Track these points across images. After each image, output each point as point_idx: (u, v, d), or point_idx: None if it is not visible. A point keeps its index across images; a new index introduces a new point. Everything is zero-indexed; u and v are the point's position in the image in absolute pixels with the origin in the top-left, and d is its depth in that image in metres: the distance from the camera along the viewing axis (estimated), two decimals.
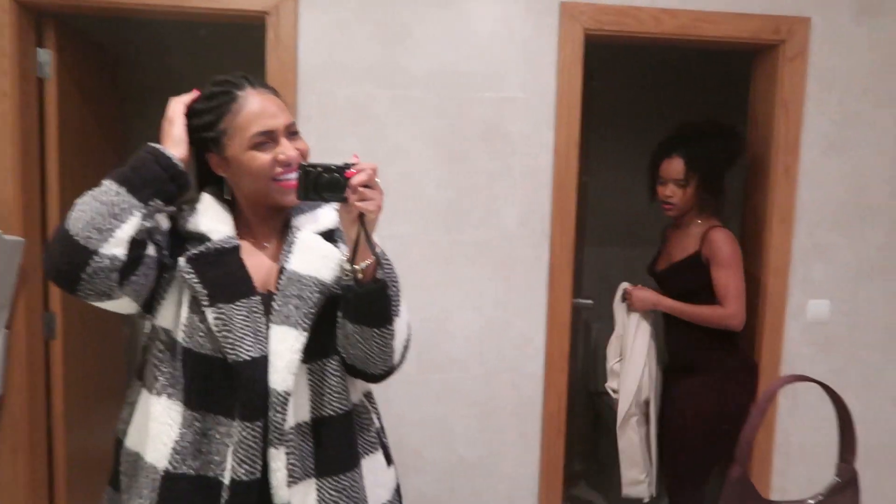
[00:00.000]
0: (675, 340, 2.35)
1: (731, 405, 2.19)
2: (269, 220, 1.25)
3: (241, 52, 3.35)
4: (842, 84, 2.36)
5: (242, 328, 1.12)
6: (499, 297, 2.26)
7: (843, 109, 2.37)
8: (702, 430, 2.21)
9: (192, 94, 1.22)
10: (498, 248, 2.26)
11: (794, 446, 2.43)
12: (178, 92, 1.24)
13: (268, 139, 1.16)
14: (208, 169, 1.25)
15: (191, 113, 1.20)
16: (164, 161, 1.12)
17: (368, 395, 1.32)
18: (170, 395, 1.15)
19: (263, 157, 1.16)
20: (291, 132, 1.21)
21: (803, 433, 2.43)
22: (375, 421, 1.32)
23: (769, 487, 2.42)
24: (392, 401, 2.25)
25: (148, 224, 1.11)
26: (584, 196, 2.92)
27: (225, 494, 1.12)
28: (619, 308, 2.44)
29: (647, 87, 3.69)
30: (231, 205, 1.26)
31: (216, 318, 1.11)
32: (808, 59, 2.33)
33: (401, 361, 1.25)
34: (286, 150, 1.17)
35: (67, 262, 1.05)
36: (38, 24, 2.16)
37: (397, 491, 1.36)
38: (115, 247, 1.06)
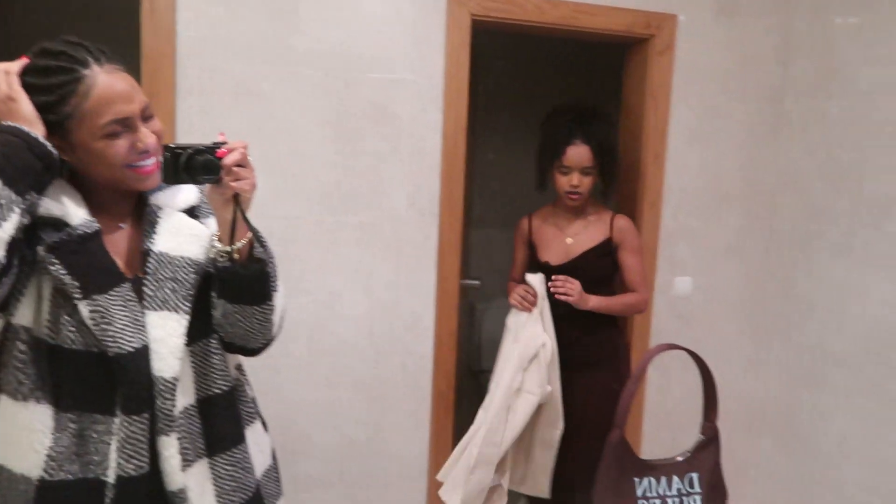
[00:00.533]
0: (566, 333, 2.18)
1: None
2: (120, 198, 1.17)
3: (111, 17, 3.14)
4: (703, 78, 2.56)
5: (122, 319, 1.05)
6: (388, 278, 2.28)
7: (704, 102, 2.57)
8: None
9: (22, 62, 1.07)
10: (387, 230, 2.27)
11: (662, 413, 2.63)
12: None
13: (122, 126, 1.07)
14: None
15: (23, 87, 1.06)
16: (37, 148, 1.01)
17: (240, 368, 1.31)
18: (38, 399, 1.06)
19: (119, 146, 1.08)
20: (146, 115, 1.12)
21: (670, 401, 2.64)
22: (249, 391, 1.32)
23: (640, 451, 2.61)
24: (282, 385, 2.21)
25: (25, 221, 1.01)
26: (471, 178, 2.98)
27: (110, 494, 1.07)
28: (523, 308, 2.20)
29: (532, 75, 3.82)
30: (75, 183, 1.15)
31: (92, 312, 1.04)
32: (675, 53, 2.51)
33: (278, 333, 1.26)
34: (145, 137, 1.10)
35: None
36: None
37: (273, 454, 1.39)
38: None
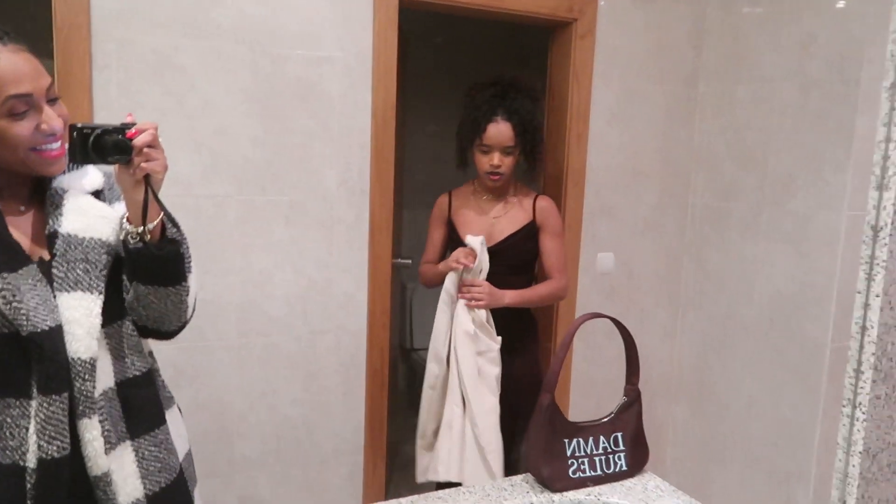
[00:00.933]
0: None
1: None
2: (17, 181, 1.14)
3: None
4: (623, 61, 2.67)
5: (32, 297, 1.03)
6: (320, 256, 2.27)
7: (624, 85, 2.68)
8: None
9: None
10: (318, 208, 2.26)
11: (587, 382, 2.76)
12: None
13: (26, 105, 1.04)
14: None
15: None
16: None
17: (151, 354, 1.31)
18: None
19: (23, 126, 1.04)
20: (51, 97, 1.09)
21: (595, 370, 2.76)
22: (161, 376, 1.32)
23: (568, 416, 2.72)
24: (216, 367, 2.17)
25: None
26: (401, 160, 2.99)
27: (31, 478, 1.04)
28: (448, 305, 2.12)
29: (461, 57, 3.86)
30: None
31: (2, 290, 1.01)
32: (596, 37, 2.60)
33: (191, 315, 1.26)
34: (50, 119, 1.07)
35: None
36: None
37: (187, 441, 1.39)
38: None
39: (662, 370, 2.91)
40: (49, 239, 1.10)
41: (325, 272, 2.29)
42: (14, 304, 1.01)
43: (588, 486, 1.40)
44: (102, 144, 1.05)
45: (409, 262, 2.89)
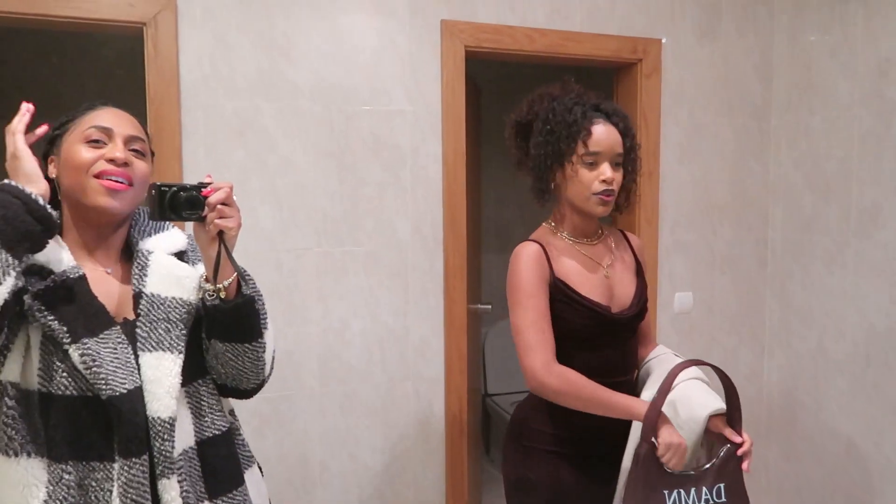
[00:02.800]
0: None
1: None
2: (105, 241, 1.18)
3: (107, 66, 3.19)
4: (690, 98, 2.65)
5: (112, 361, 1.06)
6: (396, 304, 2.31)
7: (693, 121, 2.66)
8: None
9: (24, 118, 1.10)
10: (392, 257, 2.30)
11: None
12: (38, 104, 1.14)
13: (102, 135, 1.11)
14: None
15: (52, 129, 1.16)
16: (37, 211, 1.01)
17: (232, 412, 1.31)
18: (30, 453, 1.05)
19: (88, 153, 1.10)
20: (134, 148, 1.15)
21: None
22: (243, 435, 1.32)
23: None
24: (297, 415, 2.22)
25: (20, 283, 1.01)
26: (477, 205, 3.03)
27: None
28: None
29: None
30: (61, 231, 1.16)
31: (82, 356, 1.03)
32: (662, 75, 2.60)
33: (270, 373, 1.26)
34: (116, 150, 1.11)
35: None
36: None
37: (269, 501, 1.38)
38: None
39: (749, 412, 2.76)
40: (135, 299, 1.14)
41: (402, 320, 2.32)
42: (94, 370, 1.03)
43: None
44: (177, 201, 1.09)
45: (490, 307, 2.89)
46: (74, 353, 1.04)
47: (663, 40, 2.59)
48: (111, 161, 1.10)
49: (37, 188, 1.03)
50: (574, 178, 1.54)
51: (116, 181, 1.10)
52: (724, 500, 1.41)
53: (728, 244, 2.73)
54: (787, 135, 2.69)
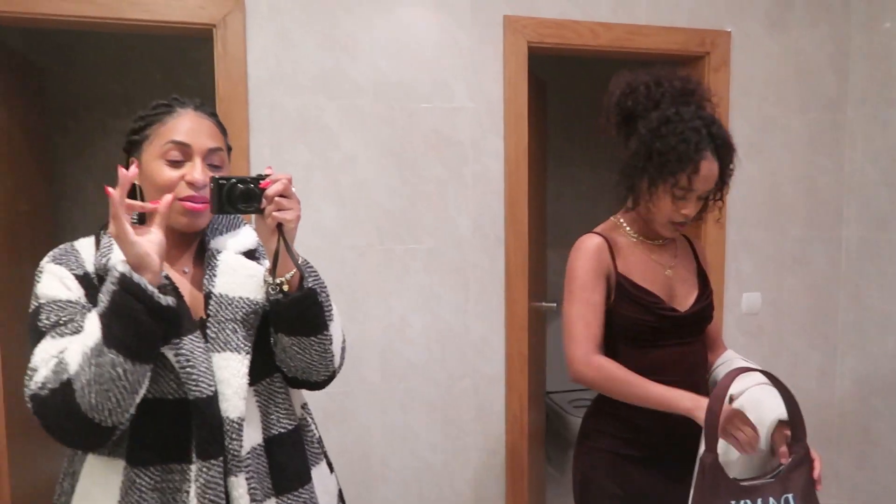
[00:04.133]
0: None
1: None
2: (182, 244, 1.19)
3: (176, 67, 3.28)
4: (759, 92, 2.56)
5: (202, 362, 1.07)
6: (456, 302, 2.31)
7: (762, 115, 2.57)
8: None
9: (124, 188, 1.01)
10: (453, 255, 2.30)
11: None
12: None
13: (182, 154, 1.12)
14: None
15: (132, 122, 1.17)
16: (158, 312, 1.00)
17: (305, 407, 1.31)
18: (113, 455, 1.08)
19: (169, 173, 1.11)
20: (213, 162, 1.16)
21: None
22: (315, 431, 1.32)
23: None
24: (359, 411, 2.24)
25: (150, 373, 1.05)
26: (543, 202, 3.00)
27: None
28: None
29: (599, 100, 3.87)
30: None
31: (177, 356, 1.06)
32: (730, 68, 2.52)
33: (340, 364, 1.25)
34: (195, 171, 1.12)
35: (83, 438, 1.02)
36: None
37: (340, 496, 1.37)
38: (130, 411, 1.02)
39: (820, 417, 2.69)
40: (205, 299, 1.14)
41: (462, 317, 2.32)
42: (188, 370, 1.05)
43: None
44: (234, 194, 1.07)
45: (555, 305, 2.87)
46: (169, 353, 1.05)
47: (732, 32, 2.51)
48: (191, 184, 1.12)
49: (151, 273, 1.01)
50: (656, 202, 1.51)
51: (195, 203, 1.12)
52: None
53: (798, 243, 2.63)
54: (862, 128, 2.57)
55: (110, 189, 0.98)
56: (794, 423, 1.43)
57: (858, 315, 2.60)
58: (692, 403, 1.41)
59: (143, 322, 0.99)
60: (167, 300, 1.01)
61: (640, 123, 1.52)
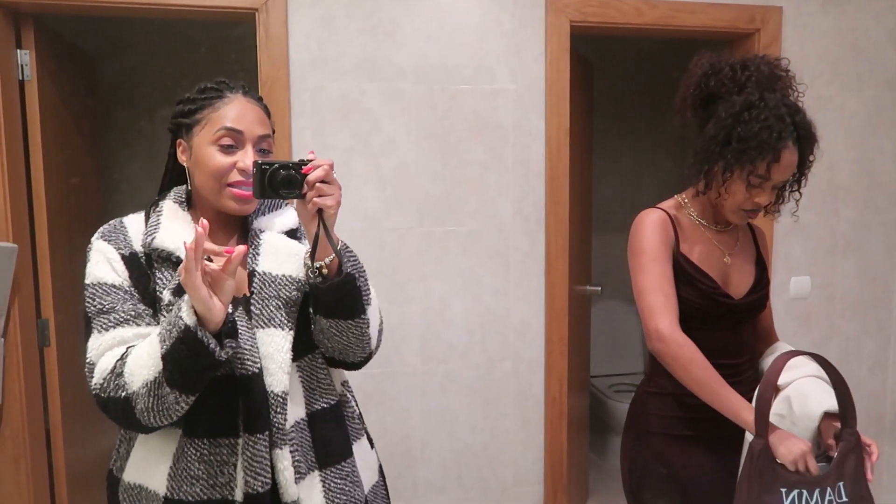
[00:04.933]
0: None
1: None
2: (227, 224, 1.22)
3: (218, 51, 3.33)
4: (812, 70, 2.47)
5: (247, 340, 1.10)
6: (497, 285, 2.30)
7: (814, 94, 2.47)
8: None
9: (200, 244, 0.99)
10: (494, 238, 2.29)
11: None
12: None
13: (233, 141, 1.14)
14: (176, 162, 1.22)
15: (178, 105, 1.20)
16: (212, 360, 1.02)
17: (346, 384, 1.33)
18: (171, 425, 1.11)
19: (222, 159, 1.14)
20: (262, 147, 1.18)
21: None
22: (355, 407, 1.33)
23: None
24: (399, 393, 2.27)
25: None
26: (588, 185, 2.96)
27: None
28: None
29: (643, 79, 3.79)
30: (188, 208, 1.22)
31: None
32: (781, 46, 2.43)
33: (377, 346, 1.27)
34: (247, 158, 1.14)
35: (141, 431, 1.10)
36: (16, 24, 2.11)
37: (380, 471, 1.39)
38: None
39: (873, 405, 2.61)
40: (249, 278, 1.16)
41: (503, 300, 2.31)
42: (234, 347, 1.07)
43: None
44: (276, 179, 1.07)
45: (599, 289, 2.83)
46: None
47: (784, 8, 2.42)
48: (243, 171, 1.14)
49: (215, 322, 1.01)
50: (730, 188, 1.47)
51: (246, 190, 1.14)
52: (845, 499, 1.32)
53: (851, 226, 2.54)
54: None
55: (187, 243, 0.97)
56: (844, 410, 1.39)
57: None
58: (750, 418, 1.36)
59: (202, 373, 1.03)
60: (227, 353, 1.03)
61: (722, 106, 1.48)
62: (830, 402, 1.41)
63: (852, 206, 2.54)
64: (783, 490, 1.29)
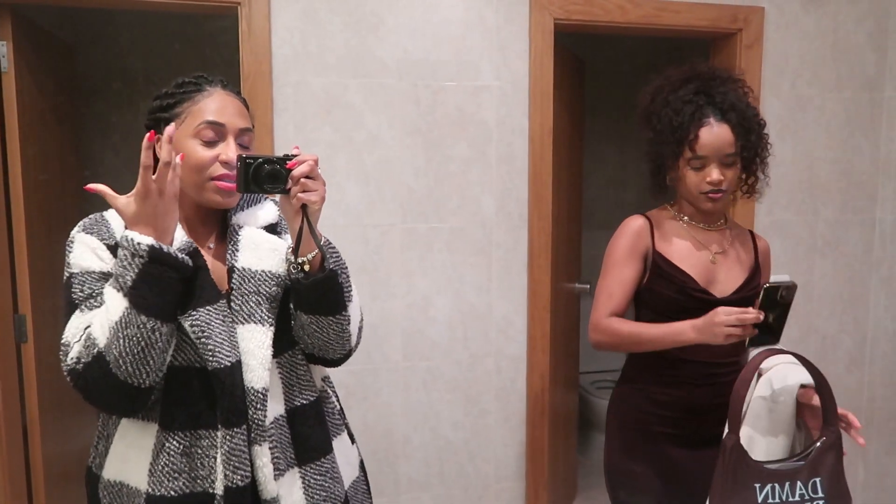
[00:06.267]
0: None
1: None
2: (207, 219, 1.22)
3: (199, 45, 3.30)
4: (794, 70, 2.49)
5: (220, 333, 1.10)
6: (480, 282, 2.31)
7: (795, 94, 2.50)
8: None
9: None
10: (477, 235, 2.29)
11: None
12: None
13: (215, 134, 1.13)
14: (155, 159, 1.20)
15: (156, 100, 1.19)
16: (187, 275, 1.07)
17: (326, 379, 1.33)
18: (147, 419, 1.12)
19: (204, 153, 1.13)
20: (243, 141, 1.17)
21: None
22: (336, 403, 1.34)
23: None
24: (382, 389, 2.26)
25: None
26: (577, 182, 2.96)
27: None
28: None
29: (630, 77, 3.81)
30: None
31: (192, 326, 1.08)
32: (763, 46, 2.45)
33: (357, 343, 1.27)
34: (229, 150, 1.14)
35: (124, 404, 1.07)
36: None
37: (361, 466, 1.39)
38: (164, 368, 1.07)
39: (850, 403, 2.64)
40: (229, 273, 1.16)
41: (485, 297, 2.31)
42: (203, 340, 1.07)
43: None
44: (260, 174, 1.07)
45: (588, 286, 2.84)
46: (185, 323, 1.08)
47: (766, 8, 2.44)
48: (226, 164, 1.14)
49: (170, 236, 1.05)
50: (683, 179, 1.59)
51: (230, 183, 1.14)
52: (821, 495, 1.34)
53: (830, 226, 2.57)
54: None
55: (151, 138, 1.02)
56: (825, 407, 1.42)
57: (891, 299, 2.54)
58: (695, 334, 1.46)
59: (175, 286, 1.04)
60: (188, 259, 1.06)
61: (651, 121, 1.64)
62: (808, 378, 1.44)
63: (831, 206, 2.57)
64: (756, 485, 1.31)
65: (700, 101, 1.55)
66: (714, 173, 1.54)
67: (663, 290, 1.58)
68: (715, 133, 1.53)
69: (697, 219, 1.65)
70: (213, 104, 1.15)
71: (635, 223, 1.64)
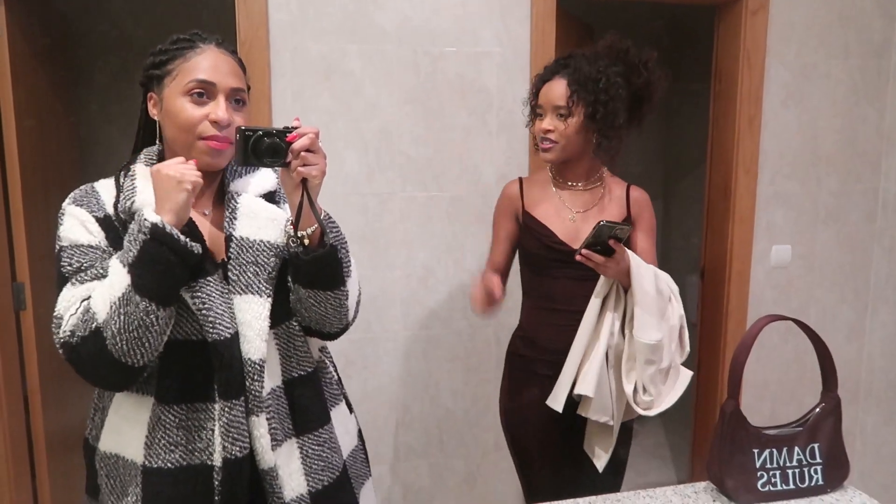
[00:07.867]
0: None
1: None
2: (207, 188, 1.19)
3: (195, 10, 3.24)
4: (800, 37, 2.45)
5: (220, 305, 1.08)
6: (479, 251, 2.29)
7: (801, 62, 2.46)
8: None
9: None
10: (477, 203, 2.27)
11: (760, 384, 2.57)
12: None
13: (205, 92, 1.11)
14: (148, 117, 1.18)
15: (150, 56, 1.16)
16: (191, 261, 1.04)
17: (324, 350, 1.32)
18: (142, 392, 1.11)
19: (193, 111, 1.10)
20: (237, 100, 1.15)
21: (767, 372, 2.57)
22: (334, 373, 1.33)
23: None
24: (381, 359, 2.27)
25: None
26: None
27: (218, 476, 1.09)
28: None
29: (645, 43, 3.75)
30: None
31: (194, 298, 1.06)
32: (769, 12, 2.40)
33: (354, 318, 1.25)
34: (219, 109, 1.11)
35: (116, 380, 1.06)
36: None
37: (360, 435, 1.39)
38: (159, 350, 1.06)
39: (849, 373, 2.65)
40: (226, 242, 1.14)
41: (484, 267, 2.30)
42: (204, 312, 1.06)
43: (780, 500, 1.30)
44: (260, 147, 1.05)
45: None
46: (186, 295, 1.06)
47: None
48: (215, 123, 1.11)
49: (179, 220, 1.04)
50: (531, 128, 1.81)
51: (217, 140, 1.11)
52: (819, 460, 1.34)
53: (833, 196, 2.55)
54: None
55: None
56: (825, 374, 1.41)
57: (892, 270, 2.53)
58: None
59: (175, 271, 1.02)
60: (197, 248, 1.03)
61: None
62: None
63: (834, 176, 2.54)
64: (755, 451, 1.31)
65: (560, 63, 1.73)
66: (546, 122, 1.70)
67: (527, 243, 1.77)
68: (551, 86, 1.70)
69: (565, 178, 1.79)
70: (205, 62, 1.12)
71: (508, 188, 1.85)
